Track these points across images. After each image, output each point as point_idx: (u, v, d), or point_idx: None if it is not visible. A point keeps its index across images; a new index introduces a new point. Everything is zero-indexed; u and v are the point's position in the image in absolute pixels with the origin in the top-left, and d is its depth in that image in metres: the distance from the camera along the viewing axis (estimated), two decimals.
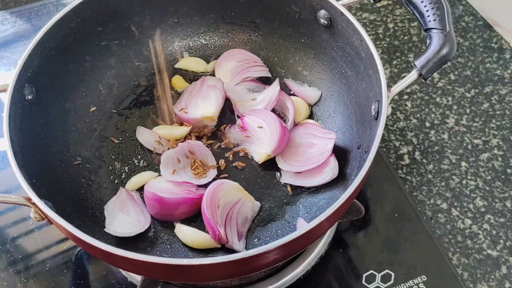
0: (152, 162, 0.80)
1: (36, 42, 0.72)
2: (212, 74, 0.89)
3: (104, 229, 0.70)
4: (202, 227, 0.72)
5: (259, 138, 0.79)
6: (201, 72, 0.90)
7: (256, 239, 0.73)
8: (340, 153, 0.77)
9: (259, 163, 0.79)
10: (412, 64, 0.67)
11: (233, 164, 0.80)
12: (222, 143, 0.82)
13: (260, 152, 0.78)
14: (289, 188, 0.77)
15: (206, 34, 0.92)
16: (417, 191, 0.85)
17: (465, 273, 0.77)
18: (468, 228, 0.82)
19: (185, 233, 0.72)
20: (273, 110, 0.82)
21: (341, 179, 0.75)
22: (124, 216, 0.73)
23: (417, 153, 0.90)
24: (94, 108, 0.84)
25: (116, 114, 0.85)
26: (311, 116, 0.85)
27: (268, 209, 0.75)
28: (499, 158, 0.89)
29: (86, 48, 0.82)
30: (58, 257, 0.77)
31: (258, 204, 0.75)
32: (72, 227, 0.57)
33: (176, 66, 0.91)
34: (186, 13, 0.89)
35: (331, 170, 0.74)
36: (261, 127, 0.79)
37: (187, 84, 0.88)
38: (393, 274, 0.75)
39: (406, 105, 0.95)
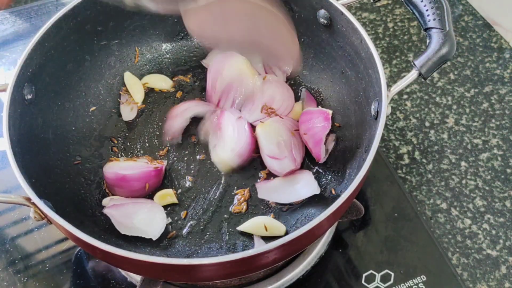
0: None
1: (36, 42, 0.72)
2: (176, 91, 0.88)
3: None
4: None
5: (224, 139, 0.78)
6: (166, 90, 0.88)
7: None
8: (340, 152, 0.77)
9: (223, 172, 0.78)
10: (412, 63, 0.67)
11: None
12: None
13: (220, 156, 0.78)
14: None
15: None
16: (417, 191, 0.85)
17: (464, 273, 0.77)
18: (468, 228, 0.82)
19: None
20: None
21: (341, 179, 0.75)
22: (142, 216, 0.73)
23: (416, 152, 0.90)
24: (94, 108, 0.84)
25: (116, 114, 0.85)
26: None
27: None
28: (499, 158, 0.89)
29: (85, 48, 0.82)
30: (58, 257, 0.77)
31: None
32: (72, 227, 0.57)
33: (142, 81, 0.88)
34: None
35: (310, 185, 0.74)
36: (232, 129, 0.78)
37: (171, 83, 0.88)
38: (392, 274, 0.75)
39: (405, 105, 0.95)
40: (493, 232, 0.81)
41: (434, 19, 0.68)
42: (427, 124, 0.93)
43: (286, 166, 0.76)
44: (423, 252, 0.77)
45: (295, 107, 0.84)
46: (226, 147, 0.77)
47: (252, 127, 0.80)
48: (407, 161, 0.89)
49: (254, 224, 0.72)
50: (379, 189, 0.83)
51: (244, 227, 0.72)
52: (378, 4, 1.10)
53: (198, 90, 0.88)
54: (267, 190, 0.75)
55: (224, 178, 0.78)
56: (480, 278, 0.77)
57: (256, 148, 0.78)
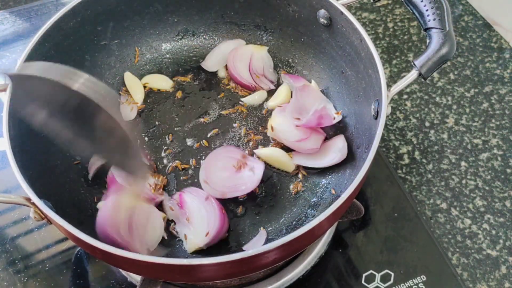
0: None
1: (36, 42, 0.72)
2: (176, 90, 0.88)
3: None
4: None
5: (193, 223, 0.71)
6: (166, 90, 0.88)
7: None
8: None
9: (188, 252, 0.71)
10: (412, 63, 0.67)
11: None
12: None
13: (191, 240, 0.70)
14: (300, 175, 0.78)
15: (206, 33, 0.92)
16: (417, 191, 0.85)
17: (464, 273, 0.77)
18: (468, 228, 0.82)
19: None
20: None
21: (341, 179, 0.75)
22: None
23: (416, 152, 0.90)
24: None
25: None
26: None
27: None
28: (499, 158, 0.89)
29: (85, 48, 0.82)
30: (58, 257, 0.77)
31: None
32: (72, 227, 0.57)
33: (142, 81, 0.88)
34: (186, 12, 0.89)
35: (340, 150, 0.76)
36: (201, 212, 0.71)
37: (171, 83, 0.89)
38: (392, 274, 0.75)
39: (405, 105, 0.95)
40: (493, 232, 0.81)
41: (434, 19, 0.68)
42: (427, 124, 0.93)
43: (316, 140, 0.78)
44: (423, 252, 0.77)
45: (283, 89, 0.85)
46: (200, 233, 0.70)
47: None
48: (407, 161, 0.89)
49: (270, 153, 0.79)
50: (379, 189, 0.83)
51: (261, 152, 0.79)
52: (378, 4, 1.10)
53: (198, 90, 0.88)
54: (302, 158, 0.79)
55: None
56: (480, 278, 0.77)
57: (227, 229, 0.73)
